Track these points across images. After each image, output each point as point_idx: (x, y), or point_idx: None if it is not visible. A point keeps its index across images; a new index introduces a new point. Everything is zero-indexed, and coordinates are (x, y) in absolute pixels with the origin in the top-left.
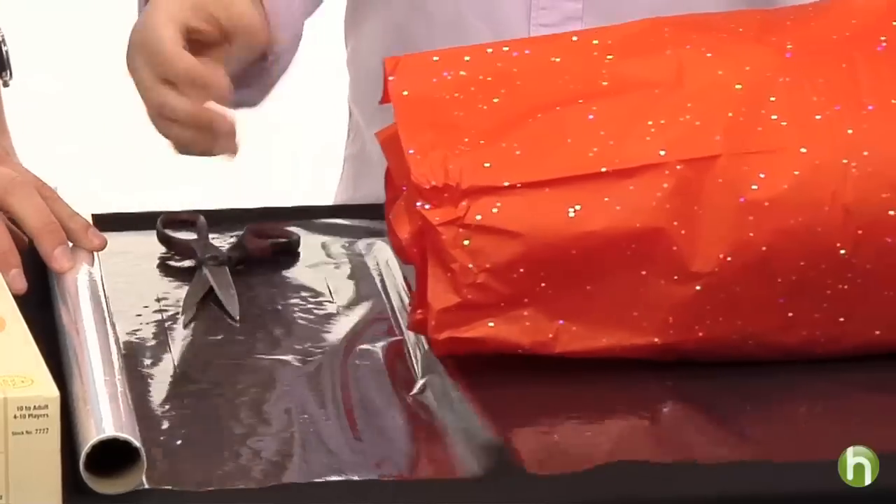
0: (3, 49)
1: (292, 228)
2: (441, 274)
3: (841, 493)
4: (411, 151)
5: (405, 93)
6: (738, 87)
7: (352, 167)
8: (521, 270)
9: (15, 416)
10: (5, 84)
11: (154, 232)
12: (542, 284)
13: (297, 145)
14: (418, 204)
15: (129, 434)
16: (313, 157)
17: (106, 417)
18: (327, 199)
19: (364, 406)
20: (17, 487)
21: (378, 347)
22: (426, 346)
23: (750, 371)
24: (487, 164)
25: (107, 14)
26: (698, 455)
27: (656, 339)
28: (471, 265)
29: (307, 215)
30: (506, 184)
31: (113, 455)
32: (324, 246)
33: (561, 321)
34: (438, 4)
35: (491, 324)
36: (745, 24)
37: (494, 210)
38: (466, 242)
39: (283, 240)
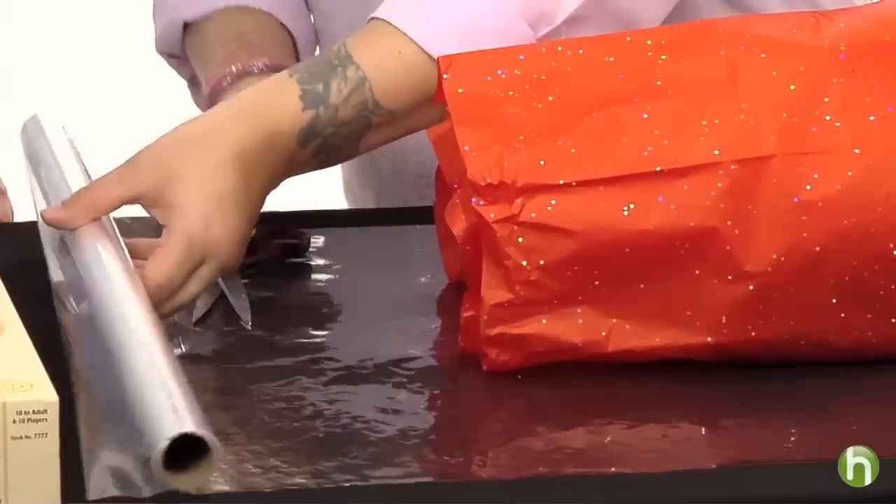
0: None
1: (302, 229)
2: (495, 270)
3: None
4: (467, 148)
5: (460, 90)
6: (792, 87)
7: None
8: (575, 268)
9: (14, 421)
10: None
11: None
12: (596, 282)
13: None
14: (473, 200)
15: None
16: None
17: (183, 409)
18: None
19: (383, 408)
20: (16, 491)
21: (396, 347)
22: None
23: (805, 373)
24: (542, 162)
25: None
26: (755, 459)
27: (709, 339)
28: (524, 262)
29: (330, 221)
30: (561, 182)
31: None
32: (334, 246)
33: (614, 319)
34: None
35: (544, 321)
36: (799, 25)
37: (549, 208)
38: (520, 240)
39: (294, 241)
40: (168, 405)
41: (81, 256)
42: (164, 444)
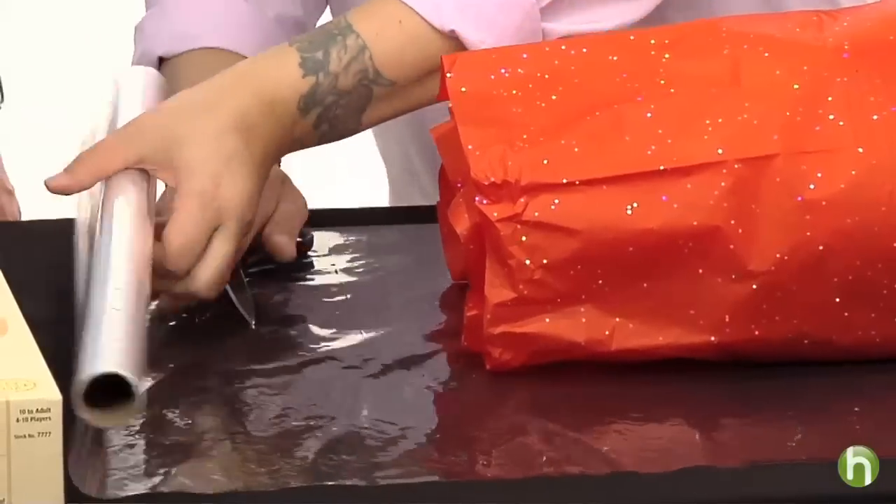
0: None
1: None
2: (498, 269)
3: None
4: (470, 147)
5: (463, 89)
6: (795, 86)
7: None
8: (578, 267)
9: (17, 420)
10: None
11: None
12: (599, 281)
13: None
14: (477, 199)
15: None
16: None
17: (110, 348)
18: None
19: (387, 407)
20: (20, 491)
21: (399, 347)
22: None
23: (806, 372)
24: (546, 161)
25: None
26: (756, 458)
27: (713, 338)
28: (528, 261)
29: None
30: (564, 181)
31: (109, 387)
32: (339, 244)
33: (617, 318)
34: None
35: (547, 319)
36: (803, 24)
37: (552, 207)
38: (524, 238)
39: (297, 239)
40: (102, 342)
41: (106, 203)
42: (85, 378)
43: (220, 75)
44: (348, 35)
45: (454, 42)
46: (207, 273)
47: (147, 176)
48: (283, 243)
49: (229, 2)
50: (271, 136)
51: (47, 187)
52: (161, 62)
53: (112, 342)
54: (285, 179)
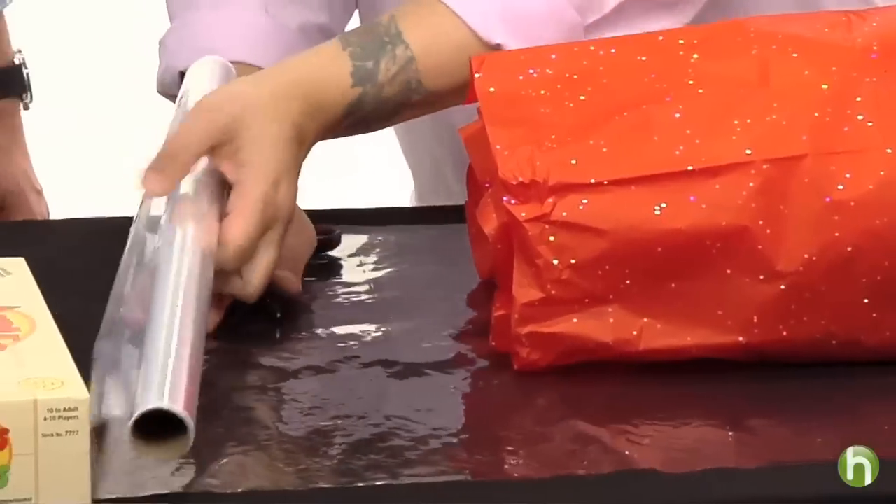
0: (25, 71)
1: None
2: (526, 269)
3: None
4: (498, 147)
5: (491, 89)
6: (824, 87)
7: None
8: (606, 267)
9: (45, 418)
10: (26, 107)
11: None
12: (627, 282)
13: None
14: (505, 199)
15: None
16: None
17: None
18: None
19: (414, 407)
20: (47, 489)
21: (427, 347)
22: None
23: (834, 373)
24: (574, 161)
25: (126, 37)
26: (783, 459)
27: (741, 338)
28: (555, 261)
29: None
30: (592, 181)
31: (159, 422)
32: (366, 244)
33: (645, 318)
34: None
35: (575, 320)
36: (832, 24)
37: (580, 207)
38: (552, 238)
39: (324, 237)
40: (159, 376)
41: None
42: (139, 413)
43: (274, 77)
44: (398, 45)
45: None
46: (259, 276)
47: (215, 172)
48: (288, 279)
49: (249, 15)
50: (314, 139)
51: (146, 192)
52: (182, 77)
53: (176, 379)
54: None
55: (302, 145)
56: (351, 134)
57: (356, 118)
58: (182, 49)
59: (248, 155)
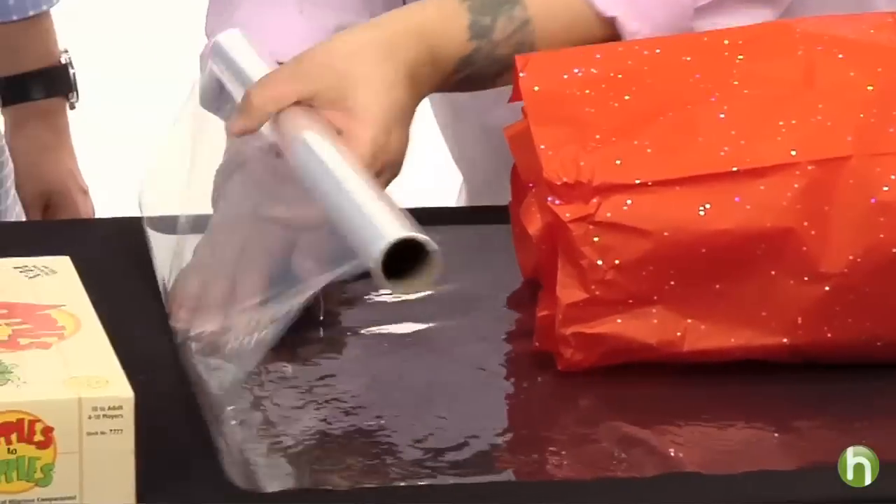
0: (71, 71)
1: None
2: (570, 270)
3: None
4: (543, 147)
5: (536, 88)
6: (869, 88)
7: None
8: (650, 268)
9: (89, 417)
10: (72, 106)
11: None
12: (671, 282)
13: None
14: (549, 199)
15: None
16: None
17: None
18: None
19: (458, 407)
20: (91, 488)
21: (470, 347)
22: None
23: (878, 374)
24: (618, 162)
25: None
26: (829, 460)
27: (785, 340)
28: (600, 262)
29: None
30: (637, 181)
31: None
32: None
33: (689, 320)
34: None
35: (619, 320)
36: (877, 25)
37: (625, 207)
38: (596, 239)
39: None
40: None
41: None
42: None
43: (389, 22)
44: (516, 5)
45: (610, 30)
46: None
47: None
48: (310, 270)
49: (285, 18)
50: (427, 90)
51: (231, 132)
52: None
53: (389, 214)
54: None
55: (416, 93)
56: (454, 91)
57: (464, 74)
58: None
59: (356, 103)
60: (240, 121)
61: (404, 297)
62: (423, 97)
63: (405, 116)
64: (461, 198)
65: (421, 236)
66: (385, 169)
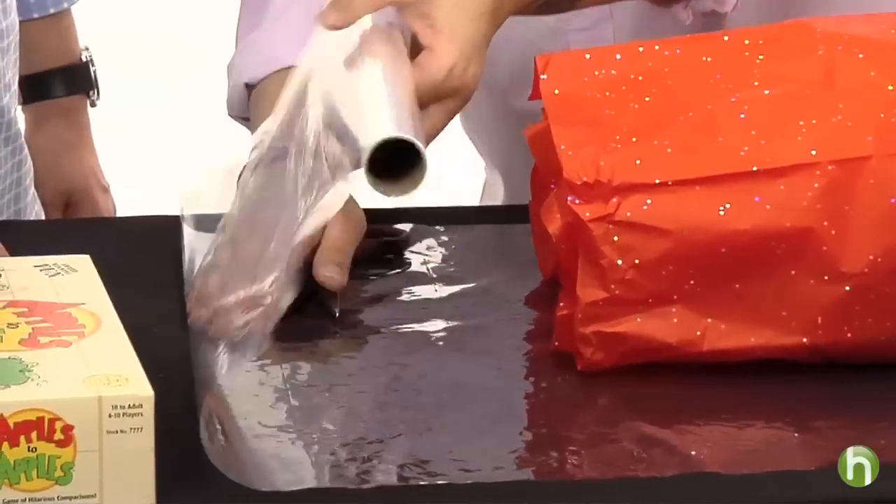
0: (92, 69)
1: (402, 226)
2: (590, 269)
3: None
4: (563, 147)
5: (556, 91)
6: (890, 87)
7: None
8: (670, 267)
9: (109, 415)
10: (93, 104)
11: None
12: (691, 282)
13: None
14: (569, 199)
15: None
16: None
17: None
18: None
19: (476, 406)
20: (111, 486)
21: (490, 346)
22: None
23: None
24: (638, 162)
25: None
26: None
27: (805, 339)
28: (619, 261)
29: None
30: (657, 181)
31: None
32: (431, 242)
33: (709, 319)
34: None
35: (638, 319)
36: None
37: (645, 207)
38: (616, 238)
39: (392, 238)
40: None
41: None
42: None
43: None
44: None
45: None
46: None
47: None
48: (331, 275)
49: (312, 22)
50: (505, 17)
51: (324, 24)
52: (250, 92)
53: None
54: None
55: (496, 21)
56: (535, 14)
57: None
58: (249, 63)
59: (443, 20)
60: (334, 13)
61: (425, 296)
62: (500, 24)
63: (483, 48)
64: (484, 197)
65: (409, 137)
66: (457, 93)
